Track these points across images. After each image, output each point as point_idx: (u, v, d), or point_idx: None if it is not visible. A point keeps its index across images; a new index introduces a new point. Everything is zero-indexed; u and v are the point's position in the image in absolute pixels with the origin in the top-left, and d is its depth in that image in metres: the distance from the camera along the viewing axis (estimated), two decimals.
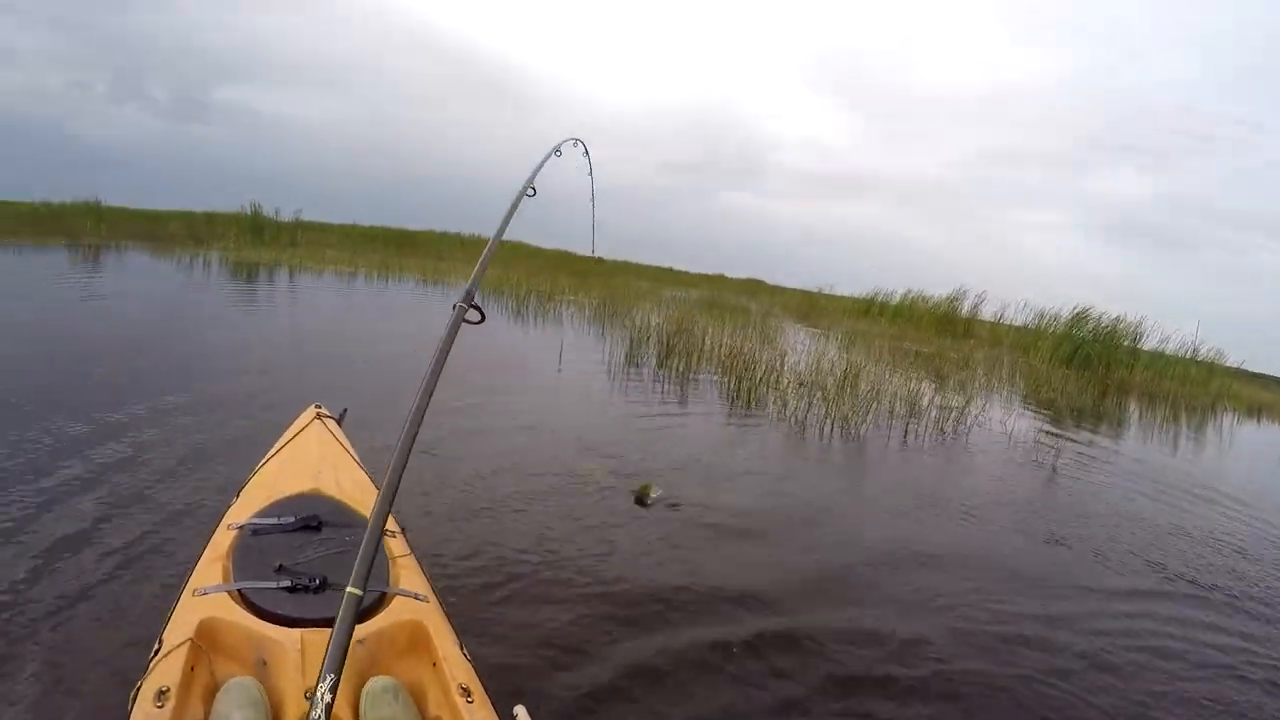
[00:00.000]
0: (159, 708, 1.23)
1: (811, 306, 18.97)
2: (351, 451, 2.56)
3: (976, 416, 6.96)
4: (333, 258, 15.33)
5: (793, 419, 6.19)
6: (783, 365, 7.88)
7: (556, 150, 2.27)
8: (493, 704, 1.44)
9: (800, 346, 10.41)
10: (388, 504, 1.43)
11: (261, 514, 1.96)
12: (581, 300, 13.06)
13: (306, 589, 1.60)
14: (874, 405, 6.59)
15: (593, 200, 2.38)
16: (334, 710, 1.28)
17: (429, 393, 1.47)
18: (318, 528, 1.90)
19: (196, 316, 8.33)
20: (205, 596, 1.57)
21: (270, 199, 18.30)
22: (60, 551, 2.56)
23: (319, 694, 1.14)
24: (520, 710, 1.36)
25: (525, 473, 3.92)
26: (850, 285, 21.83)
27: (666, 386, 7.17)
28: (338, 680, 1.17)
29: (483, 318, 1.63)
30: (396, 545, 1.96)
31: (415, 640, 1.59)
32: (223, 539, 1.84)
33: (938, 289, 18.38)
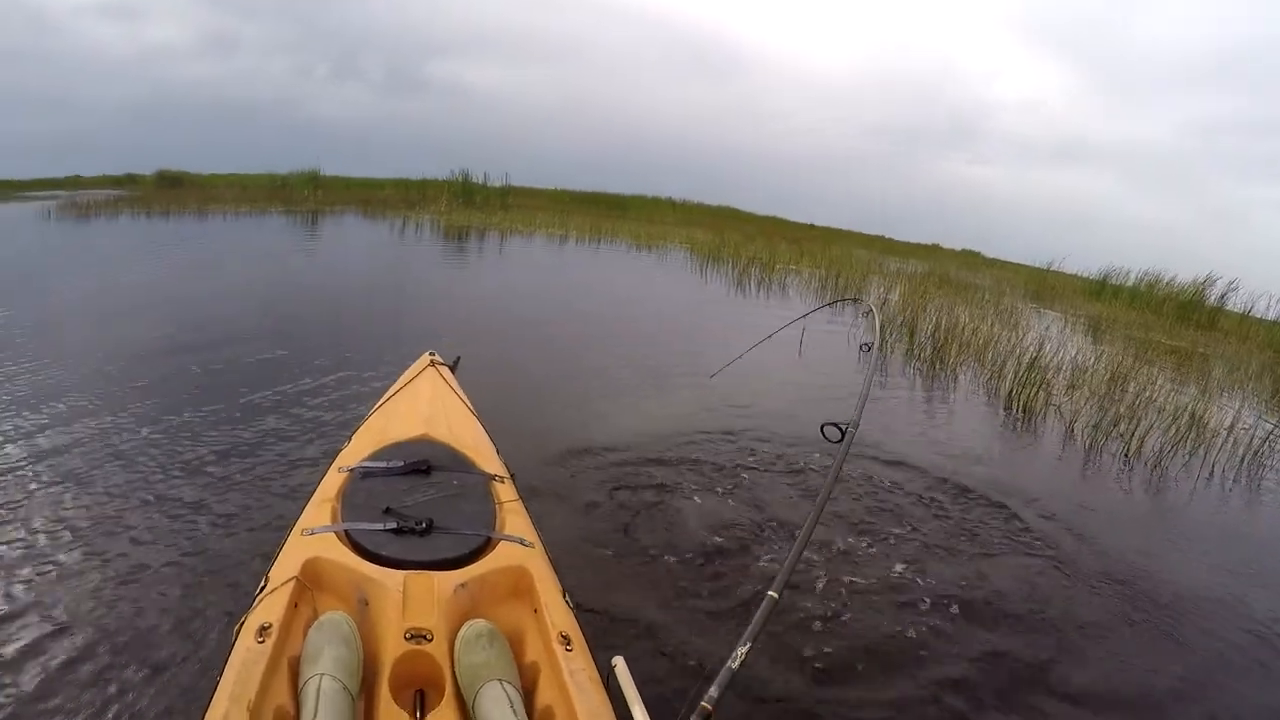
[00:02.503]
0: (260, 642, 1.26)
1: (1042, 284, 17.15)
2: (464, 398, 2.60)
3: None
4: (543, 221, 15.93)
5: (1081, 436, 5.54)
6: (1041, 359, 7.08)
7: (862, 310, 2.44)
8: (592, 654, 1.42)
9: (1047, 334, 9.37)
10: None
11: (372, 457, 1.99)
12: (804, 270, 12.64)
13: (412, 531, 1.62)
14: (1164, 421, 5.72)
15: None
16: (432, 653, 1.30)
17: (820, 510, 1.71)
18: (427, 472, 1.92)
19: (387, 275, 9.11)
20: (312, 536, 1.60)
21: (481, 166, 19.42)
22: (184, 490, 2.90)
23: None
24: (619, 661, 1.33)
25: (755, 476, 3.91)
26: (1074, 262, 19.34)
27: (925, 382, 6.78)
28: None
29: (842, 436, 1.90)
30: (504, 490, 1.95)
31: (518, 586, 1.58)
32: (333, 481, 1.88)
33: (1167, 270, 15.65)
